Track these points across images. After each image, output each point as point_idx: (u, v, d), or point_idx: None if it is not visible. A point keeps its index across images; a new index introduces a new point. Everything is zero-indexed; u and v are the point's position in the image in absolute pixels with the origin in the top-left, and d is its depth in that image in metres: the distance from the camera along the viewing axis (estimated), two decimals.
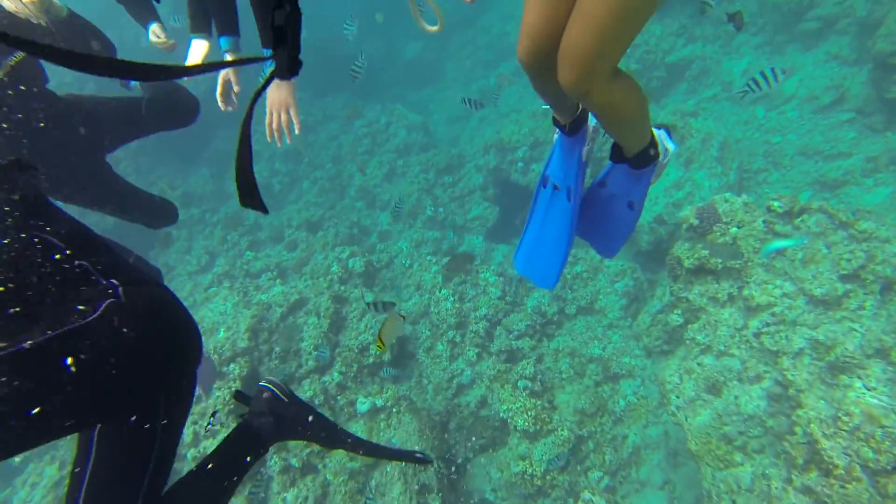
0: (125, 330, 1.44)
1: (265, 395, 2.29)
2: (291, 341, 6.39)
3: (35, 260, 1.42)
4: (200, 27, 2.87)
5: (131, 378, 1.47)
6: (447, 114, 11.45)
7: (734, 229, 4.81)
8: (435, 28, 2.44)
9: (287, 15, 0.76)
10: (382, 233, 8.65)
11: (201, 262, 8.71)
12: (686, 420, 4.56)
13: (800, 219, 4.58)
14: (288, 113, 2.47)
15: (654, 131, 2.33)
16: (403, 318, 4.56)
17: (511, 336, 6.52)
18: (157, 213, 3.67)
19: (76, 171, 3.04)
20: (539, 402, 5.78)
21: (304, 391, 6.19)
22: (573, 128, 2.38)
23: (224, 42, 2.69)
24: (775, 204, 4.72)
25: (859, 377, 3.91)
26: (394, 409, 6.14)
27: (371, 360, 6.40)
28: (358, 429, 6.16)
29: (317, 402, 6.15)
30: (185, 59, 3.04)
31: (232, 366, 6.23)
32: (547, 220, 2.52)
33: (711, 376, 4.57)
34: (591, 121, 2.42)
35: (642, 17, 1.67)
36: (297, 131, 2.54)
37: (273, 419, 2.22)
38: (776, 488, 3.84)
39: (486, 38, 12.59)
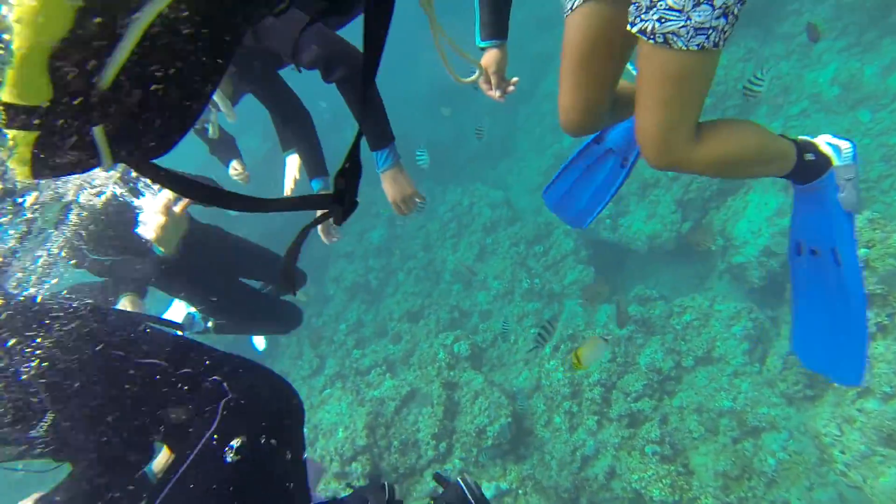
0: (244, 418, 1.66)
1: (461, 489, 2.49)
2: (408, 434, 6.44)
3: (149, 384, 1.66)
4: (288, 146, 3.44)
5: (266, 457, 1.67)
6: (526, 184, 11.59)
7: (863, 251, 4.35)
8: (472, 79, 2.46)
9: (346, 181, 0.93)
10: (483, 312, 8.68)
11: (313, 366, 9.14)
12: (866, 482, 3.97)
13: None
14: (413, 200, 2.66)
15: (810, 139, 2.09)
16: (606, 340, 4.30)
17: (629, 399, 6.16)
18: (285, 319, 3.91)
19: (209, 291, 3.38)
20: (672, 468, 5.32)
21: (427, 482, 6.13)
22: None
23: (315, 184, 3.00)
24: None
25: None
26: (519, 491, 5.92)
27: (489, 442, 6.27)
28: None
29: (440, 492, 6.05)
30: (283, 174, 3.46)
31: (354, 464, 6.33)
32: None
33: (884, 425, 3.99)
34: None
35: (700, 88, 1.67)
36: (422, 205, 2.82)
37: None
38: None
39: (550, 103, 12.81)
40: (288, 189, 3.46)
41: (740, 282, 6.52)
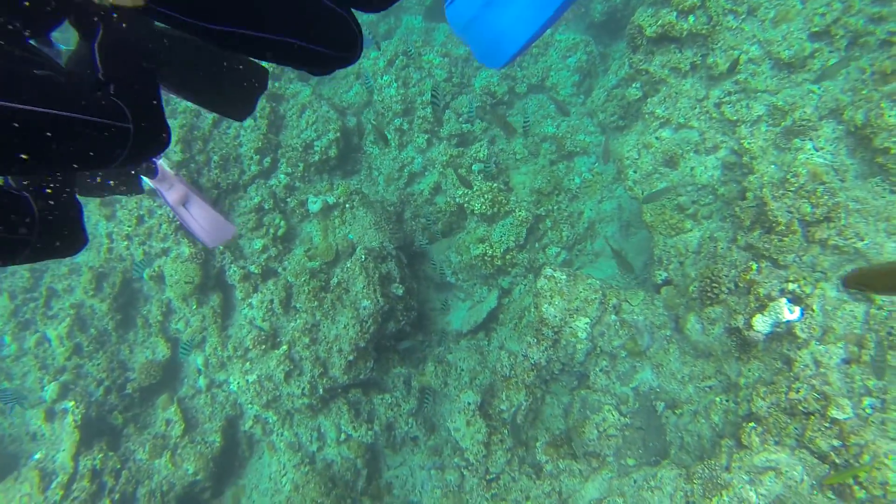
0: None
1: None
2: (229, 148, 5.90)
3: None
4: None
5: None
6: None
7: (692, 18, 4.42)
8: None
9: None
10: None
11: None
12: (643, 194, 4.73)
13: None
14: None
15: None
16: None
17: (461, 119, 6.27)
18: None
19: None
20: (495, 185, 5.79)
21: (252, 197, 5.92)
22: None
23: None
24: None
25: (811, 139, 4.04)
26: (346, 205, 6.05)
27: (317, 157, 6.09)
28: (312, 228, 6.12)
29: (266, 207, 5.96)
30: None
31: None
32: None
33: (670, 149, 4.63)
34: None
35: None
36: None
37: None
38: (721, 248, 4.20)
39: None
40: None
41: (582, 15, 6.47)
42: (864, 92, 3.85)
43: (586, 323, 4.40)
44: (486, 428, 4.58)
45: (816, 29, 4.05)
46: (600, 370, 4.45)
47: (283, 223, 6.03)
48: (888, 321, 3.46)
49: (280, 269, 5.99)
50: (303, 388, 5.28)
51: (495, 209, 5.70)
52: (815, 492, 3.31)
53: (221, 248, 5.82)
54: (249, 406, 5.66)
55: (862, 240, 3.67)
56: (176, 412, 5.69)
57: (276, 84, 6.18)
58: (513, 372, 4.59)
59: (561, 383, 4.67)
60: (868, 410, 3.37)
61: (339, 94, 6.62)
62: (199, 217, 2.93)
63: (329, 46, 1.66)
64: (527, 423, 4.62)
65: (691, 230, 4.60)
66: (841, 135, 3.99)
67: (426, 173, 6.39)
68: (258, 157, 5.95)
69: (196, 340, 5.91)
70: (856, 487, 3.19)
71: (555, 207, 5.74)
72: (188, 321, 5.89)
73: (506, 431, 4.56)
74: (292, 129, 6.08)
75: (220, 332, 5.82)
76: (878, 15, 3.90)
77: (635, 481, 3.87)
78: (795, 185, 3.87)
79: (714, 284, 4.08)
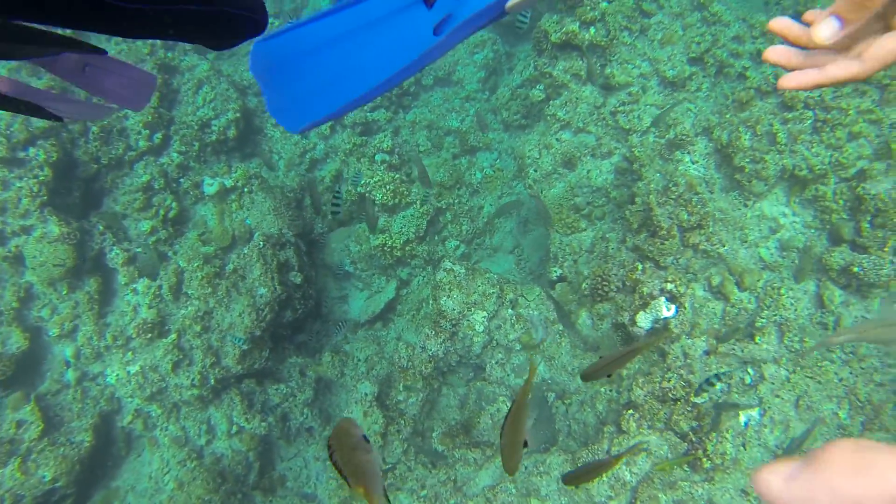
0: None
1: None
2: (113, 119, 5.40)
3: None
4: None
5: None
6: None
7: (604, 3, 4.71)
8: None
9: None
10: None
11: None
12: (542, 193, 4.96)
13: None
14: None
15: None
16: None
17: (366, 108, 6.19)
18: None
19: None
20: (397, 176, 5.79)
21: (140, 175, 5.48)
22: None
23: None
24: None
25: (689, 152, 4.46)
26: (245, 189, 5.80)
27: (214, 136, 5.75)
28: (207, 212, 5.80)
29: (156, 186, 5.55)
30: None
31: (32, 149, 5.15)
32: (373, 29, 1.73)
33: (568, 151, 4.90)
34: None
35: None
36: None
37: None
38: (612, 248, 4.52)
39: None
40: None
41: None
42: (727, 115, 4.33)
43: (483, 316, 4.57)
44: (384, 418, 4.62)
45: (693, 55, 4.51)
46: (496, 362, 4.64)
47: (174, 204, 5.64)
48: (738, 317, 3.95)
49: (171, 253, 5.61)
50: (192, 379, 5.00)
51: (397, 200, 5.70)
52: (675, 467, 3.71)
53: (102, 227, 5.34)
54: (129, 399, 5.27)
55: (724, 246, 4.13)
56: (32, 411, 5.03)
57: (170, 55, 5.74)
58: (410, 363, 4.66)
59: (458, 375, 4.81)
60: (718, 395, 3.83)
61: (239, 71, 6.28)
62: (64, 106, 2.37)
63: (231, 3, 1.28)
64: (423, 413, 4.72)
65: (585, 230, 4.91)
66: (711, 151, 4.45)
67: (328, 160, 6.26)
68: (147, 132, 5.50)
69: (66, 329, 5.37)
70: (704, 459, 3.63)
71: (455, 201, 5.86)
72: (55, 308, 5.34)
73: (402, 422, 4.62)
74: (187, 106, 5.69)
75: (97, 320, 5.35)
76: (736, 51, 4.43)
77: (526, 468, 4.09)
78: (676, 193, 4.25)
79: (604, 282, 4.39)
